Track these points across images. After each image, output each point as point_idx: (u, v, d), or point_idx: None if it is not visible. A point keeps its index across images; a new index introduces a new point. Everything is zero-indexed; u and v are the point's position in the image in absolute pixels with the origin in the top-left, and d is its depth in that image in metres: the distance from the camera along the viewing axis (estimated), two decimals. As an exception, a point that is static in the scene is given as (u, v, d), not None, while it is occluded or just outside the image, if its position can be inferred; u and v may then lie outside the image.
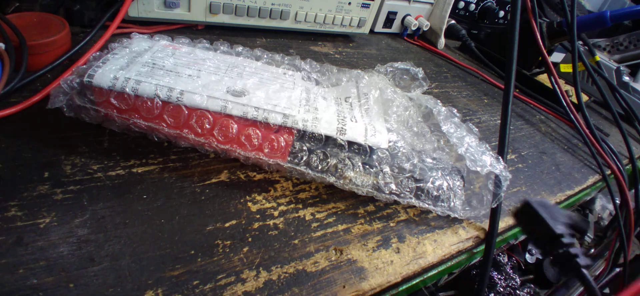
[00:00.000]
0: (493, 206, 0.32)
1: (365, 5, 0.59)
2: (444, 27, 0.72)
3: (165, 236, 0.24)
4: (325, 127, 0.30)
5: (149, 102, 0.27)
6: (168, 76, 0.29)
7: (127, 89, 0.27)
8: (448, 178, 0.31)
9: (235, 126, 0.29)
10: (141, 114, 0.28)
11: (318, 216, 0.29)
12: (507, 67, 0.37)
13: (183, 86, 0.28)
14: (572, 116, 0.54)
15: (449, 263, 0.31)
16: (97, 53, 0.32)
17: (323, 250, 0.27)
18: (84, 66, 0.29)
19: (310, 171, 0.30)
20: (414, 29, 0.72)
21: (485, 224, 0.33)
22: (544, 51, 0.53)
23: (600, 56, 0.69)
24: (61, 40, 0.35)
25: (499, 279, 0.60)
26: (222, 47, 0.38)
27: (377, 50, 0.65)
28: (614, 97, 0.64)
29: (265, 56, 0.38)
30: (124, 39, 0.34)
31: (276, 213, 0.29)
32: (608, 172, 0.50)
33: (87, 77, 0.27)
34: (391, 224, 0.31)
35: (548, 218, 0.27)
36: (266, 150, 0.29)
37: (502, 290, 0.59)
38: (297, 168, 0.30)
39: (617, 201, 0.50)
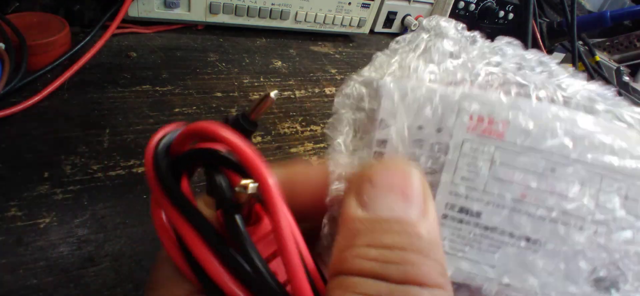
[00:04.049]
0: None
1: (365, 5, 0.59)
2: (444, 27, 0.72)
3: (165, 236, 0.24)
4: None
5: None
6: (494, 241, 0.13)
7: None
8: None
9: None
10: None
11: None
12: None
13: (509, 269, 0.13)
14: (572, 116, 0.54)
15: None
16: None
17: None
18: None
19: None
20: (414, 29, 0.72)
21: None
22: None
23: (600, 56, 0.69)
24: (61, 40, 0.35)
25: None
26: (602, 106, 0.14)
27: (377, 50, 0.65)
28: (614, 97, 0.64)
29: None
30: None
31: (276, 213, 0.29)
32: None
33: None
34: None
35: None
36: None
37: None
38: None
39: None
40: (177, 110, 0.35)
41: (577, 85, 0.14)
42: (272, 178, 0.11)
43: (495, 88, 0.13)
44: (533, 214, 0.13)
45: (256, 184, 0.11)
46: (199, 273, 0.11)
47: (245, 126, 0.16)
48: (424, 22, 0.16)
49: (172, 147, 0.13)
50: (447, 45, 0.15)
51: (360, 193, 0.12)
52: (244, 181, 0.11)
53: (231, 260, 0.11)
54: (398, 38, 0.16)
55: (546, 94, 0.13)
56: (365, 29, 0.63)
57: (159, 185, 0.12)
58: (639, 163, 0.12)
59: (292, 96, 0.43)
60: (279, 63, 0.49)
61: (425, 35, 0.15)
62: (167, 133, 0.13)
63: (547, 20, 0.64)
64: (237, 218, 0.11)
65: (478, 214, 0.13)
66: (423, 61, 0.14)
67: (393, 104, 0.13)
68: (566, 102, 0.13)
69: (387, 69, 0.15)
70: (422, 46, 0.15)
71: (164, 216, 0.13)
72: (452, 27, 0.15)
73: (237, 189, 0.11)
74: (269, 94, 0.16)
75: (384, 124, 0.13)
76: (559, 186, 0.12)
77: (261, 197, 0.11)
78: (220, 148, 0.12)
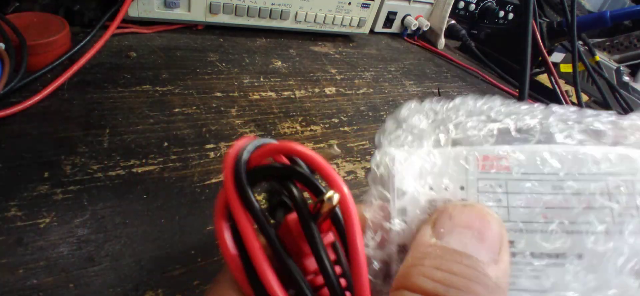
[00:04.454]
0: None
1: (365, 5, 0.59)
2: (444, 27, 0.72)
3: (165, 236, 0.24)
4: None
5: None
6: None
7: None
8: None
9: None
10: None
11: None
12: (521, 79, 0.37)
13: None
14: (572, 116, 0.54)
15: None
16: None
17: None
18: None
19: None
20: (414, 29, 0.72)
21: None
22: (544, 51, 0.53)
23: (600, 56, 0.69)
24: (61, 40, 0.35)
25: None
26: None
27: (377, 50, 0.65)
28: (614, 97, 0.64)
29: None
30: None
31: (276, 213, 0.29)
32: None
33: None
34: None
35: None
36: None
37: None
38: None
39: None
40: (177, 110, 0.35)
41: (539, 113, 0.16)
42: (350, 194, 0.12)
43: (485, 135, 0.16)
44: (558, 230, 0.14)
45: (338, 196, 0.12)
46: (259, 290, 0.12)
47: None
48: (400, 114, 0.18)
49: (251, 159, 0.13)
50: (421, 123, 0.17)
51: (437, 224, 0.13)
52: (329, 194, 0.12)
53: (295, 279, 0.12)
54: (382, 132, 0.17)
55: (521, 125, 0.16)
56: (365, 29, 0.63)
57: (238, 195, 0.13)
58: (605, 164, 0.14)
59: (292, 96, 0.43)
60: (279, 63, 0.49)
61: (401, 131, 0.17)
62: (246, 145, 0.14)
63: (547, 20, 0.64)
64: (315, 227, 0.12)
65: (512, 243, 0.14)
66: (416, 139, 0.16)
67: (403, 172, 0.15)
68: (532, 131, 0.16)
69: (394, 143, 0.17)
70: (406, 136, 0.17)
71: (226, 233, 0.13)
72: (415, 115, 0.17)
73: (325, 199, 0.12)
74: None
75: (400, 193, 0.15)
76: (571, 200, 0.14)
77: (338, 210, 0.12)
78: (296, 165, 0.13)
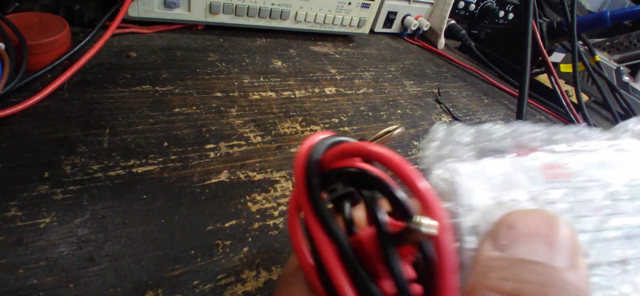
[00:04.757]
0: None
1: (365, 5, 0.59)
2: (444, 27, 0.72)
3: (165, 236, 0.24)
4: None
5: None
6: None
7: None
8: None
9: None
10: None
11: (318, 216, 0.29)
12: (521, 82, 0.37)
13: None
14: (572, 116, 0.54)
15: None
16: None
17: (323, 250, 0.27)
18: None
19: None
20: (414, 29, 0.72)
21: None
22: (544, 51, 0.53)
23: (600, 56, 0.69)
24: (61, 40, 0.35)
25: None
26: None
27: (377, 50, 0.65)
28: (614, 97, 0.64)
29: None
30: None
31: (276, 213, 0.29)
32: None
33: None
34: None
35: None
36: None
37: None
38: None
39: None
40: (177, 110, 0.35)
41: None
42: (448, 226, 0.10)
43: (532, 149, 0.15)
44: (621, 237, 0.14)
45: (436, 227, 0.10)
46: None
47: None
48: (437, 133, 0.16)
49: (324, 160, 0.12)
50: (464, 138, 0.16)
51: (497, 237, 0.11)
52: (424, 221, 0.10)
53: (367, 290, 0.11)
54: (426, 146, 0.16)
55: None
56: (365, 29, 0.63)
57: (309, 198, 0.11)
58: None
59: (292, 96, 0.43)
60: (279, 63, 0.49)
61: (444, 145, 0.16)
62: (318, 143, 0.12)
63: (547, 20, 0.64)
64: (397, 253, 0.11)
65: (586, 255, 0.13)
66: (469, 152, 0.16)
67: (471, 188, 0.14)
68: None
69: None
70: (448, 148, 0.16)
71: (303, 243, 0.12)
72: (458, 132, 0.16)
73: (414, 222, 0.10)
74: (395, 128, 0.15)
75: (468, 209, 0.14)
76: (628, 207, 0.14)
77: (428, 238, 0.10)
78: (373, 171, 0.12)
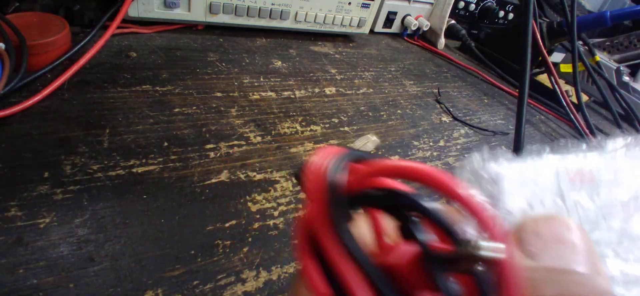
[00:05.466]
0: None
1: (365, 5, 0.59)
2: (444, 27, 0.72)
3: (165, 236, 0.24)
4: None
5: None
6: None
7: None
8: None
9: None
10: None
11: (318, 216, 0.29)
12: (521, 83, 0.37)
13: None
14: (572, 116, 0.54)
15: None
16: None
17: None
18: None
19: None
20: (414, 29, 0.72)
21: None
22: (544, 51, 0.53)
23: (600, 56, 0.69)
24: (61, 40, 0.35)
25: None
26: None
27: (377, 50, 0.65)
28: (614, 97, 0.64)
29: None
30: None
31: (276, 213, 0.29)
32: (608, 172, 0.50)
33: None
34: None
35: None
36: None
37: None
38: None
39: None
40: (177, 110, 0.35)
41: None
42: (514, 249, 0.09)
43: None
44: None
45: (500, 251, 0.08)
46: None
47: None
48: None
49: (349, 183, 0.10)
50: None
51: (524, 244, 0.11)
52: (486, 243, 0.08)
53: None
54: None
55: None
56: (365, 29, 0.63)
57: (334, 229, 0.09)
58: None
59: (292, 96, 0.43)
60: (279, 63, 0.49)
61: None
62: (335, 161, 0.10)
63: (547, 20, 0.64)
64: (445, 276, 0.09)
65: (612, 256, 0.14)
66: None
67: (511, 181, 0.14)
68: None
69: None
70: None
71: (314, 273, 0.10)
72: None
73: (472, 245, 0.08)
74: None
75: (508, 213, 0.14)
76: None
77: (491, 264, 0.08)
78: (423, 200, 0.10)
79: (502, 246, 0.08)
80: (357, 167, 0.10)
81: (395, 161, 0.10)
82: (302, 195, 0.31)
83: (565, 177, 0.15)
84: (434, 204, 0.10)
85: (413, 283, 0.09)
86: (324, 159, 0.10)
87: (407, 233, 0.10)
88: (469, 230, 0.09)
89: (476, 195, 0.09)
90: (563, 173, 0.15)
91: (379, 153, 0.39)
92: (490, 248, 0.08)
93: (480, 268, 0.08)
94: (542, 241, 0.11)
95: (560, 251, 0.11)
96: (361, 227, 0.12)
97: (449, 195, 0.09)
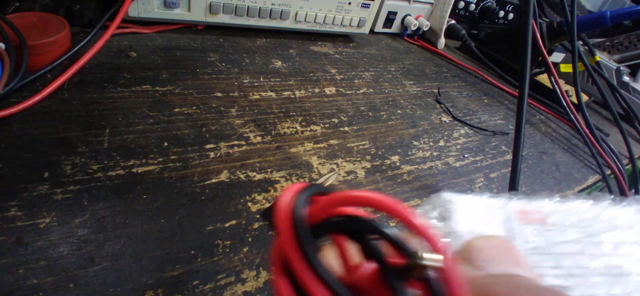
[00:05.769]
0: None
1: (365, 5, 0.59)
2: (444, 27, 0.72)
3: (165, 236, 0.24)
4: None
5: None
6: None
7: None
8: None
9: None
10: None
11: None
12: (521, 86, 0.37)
13: None
14: (572, 116, 0.54)
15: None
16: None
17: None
18: None
19: None
20: (414, 29, 0.72)
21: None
22: (544, 51, 0.53)
23: (600, 56, 0.69)
24: (61, 40, 0.35)
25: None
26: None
27: (377, 50, 0.65)
28: (613, 97, 0.64)
29: None
30: None
31: (276, 213, 0.29)
32: (608, 172, 0.50)
33: None
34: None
35: None
36: None
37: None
38: None
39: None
40: (177, 110, 0.35)
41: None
42: (452, 255, 0.11)
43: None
44: (582, 274, 0.15)
45: (440, 258, 0.10)
46: None
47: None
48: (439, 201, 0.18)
49: (312, 214, 0.12)
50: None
51: (472, 259, 0.13)
52: (428, 255, 0.10)
53: None
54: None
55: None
56: (365, 29, 0.63)
57: (304, 258, 0.11)
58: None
59: (292, 96, 0.43)
60: (279, 63, 0.49)
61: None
62: (298, 196, 0.12)
63: (547, 20, 0.64)
64: (402, 285, 0.11)
65: (567, 288, 0.15)
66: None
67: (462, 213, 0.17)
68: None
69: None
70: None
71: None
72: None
73: (418, 257, 0.10)
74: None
75: (455, 236, 0.16)
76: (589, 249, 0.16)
77: (435, 273, 0.10)
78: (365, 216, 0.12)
79: (441, 256, 0.10)
80: (320, 199, 0.12)
81: (352, 191, 0.12)
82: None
83: (512, 210, 0.17)
84: (388, 227, 0.11)
85: (376, 294, 0.11)
86: (289, 195, 0.12)
87: (367, 253, 0.11)
88: (417, 246, 0.11)
89: (421, 218, 0.11)
90: (512, 207, 0.17)
91: (379, 153, 0.39)
92: (432, 258, 0.10)
93: (430, 274, 0.10)
94: (485, 255, 0.13)
95: (503, 262, 0.13)
96: (328, 252, 0.13)
97: (399, 218, 0.11)
